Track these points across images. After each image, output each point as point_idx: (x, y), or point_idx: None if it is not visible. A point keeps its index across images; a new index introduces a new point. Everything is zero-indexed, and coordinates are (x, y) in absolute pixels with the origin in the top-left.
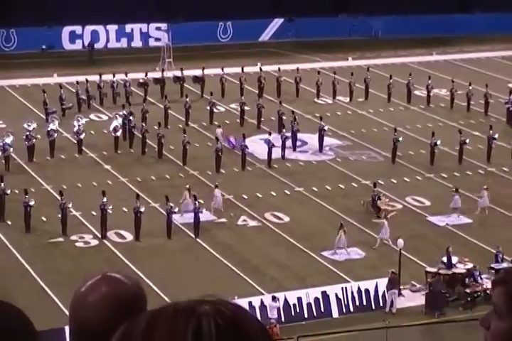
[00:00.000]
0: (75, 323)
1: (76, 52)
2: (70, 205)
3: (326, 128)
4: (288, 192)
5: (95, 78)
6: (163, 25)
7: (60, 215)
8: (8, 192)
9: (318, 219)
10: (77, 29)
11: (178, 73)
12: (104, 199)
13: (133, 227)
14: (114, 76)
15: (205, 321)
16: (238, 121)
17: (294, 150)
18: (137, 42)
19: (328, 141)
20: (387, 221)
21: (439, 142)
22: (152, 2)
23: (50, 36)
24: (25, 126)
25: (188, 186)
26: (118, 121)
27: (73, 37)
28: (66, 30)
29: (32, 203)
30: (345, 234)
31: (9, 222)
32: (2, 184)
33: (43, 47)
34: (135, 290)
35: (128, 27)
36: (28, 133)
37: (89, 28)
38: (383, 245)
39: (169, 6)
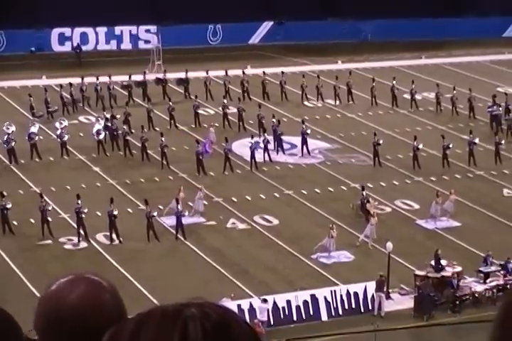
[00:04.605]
0: (50, 324)
1: (65, 54)
2: (50, 208)
3: (308, 131)
4: (277, 195)
5: (84, 80)
6: (153, 28)
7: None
8: None
9: (307, 222)
10: (67, 31)
11: (160, 75)
12: (79, 202)
13: (119, 230)
14: (97, 79)
15: (192, 325)
16: (237, 122)
17: (283, 153)
18: (127, 45)
19: (317, 144)
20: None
21: (420, 146)
22: (142, 4)
23: (39, 38)
24: (4, 129)
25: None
26: (100, 124)
27: (62, 39)
28: (55, 32)
29: (9, 206)
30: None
31: None
32: None
33: (32, 49)
34: (112, 290)
35: (117, 29)
36: (6, 136)
37: (78, 30)
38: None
39: (159, 8)
